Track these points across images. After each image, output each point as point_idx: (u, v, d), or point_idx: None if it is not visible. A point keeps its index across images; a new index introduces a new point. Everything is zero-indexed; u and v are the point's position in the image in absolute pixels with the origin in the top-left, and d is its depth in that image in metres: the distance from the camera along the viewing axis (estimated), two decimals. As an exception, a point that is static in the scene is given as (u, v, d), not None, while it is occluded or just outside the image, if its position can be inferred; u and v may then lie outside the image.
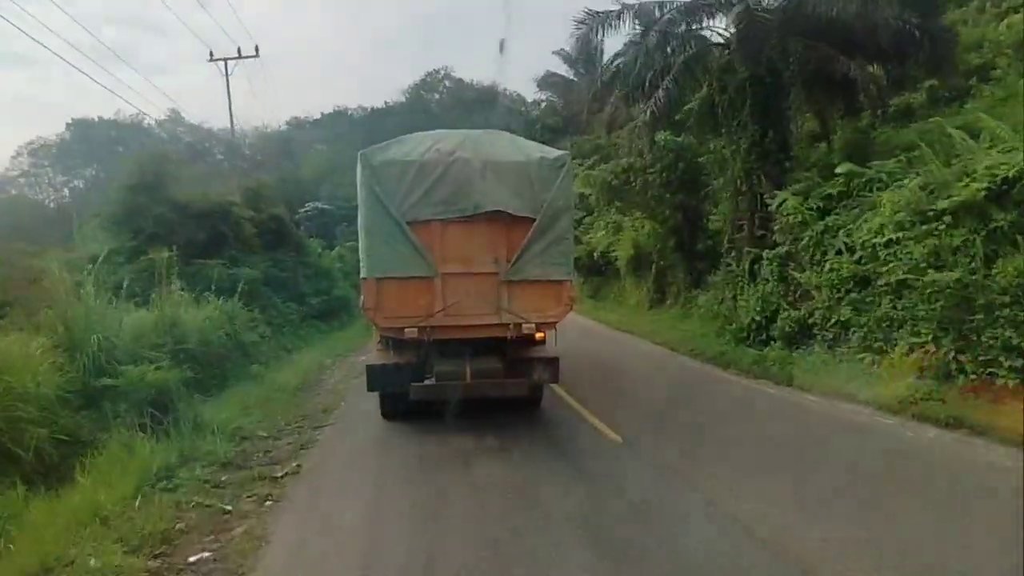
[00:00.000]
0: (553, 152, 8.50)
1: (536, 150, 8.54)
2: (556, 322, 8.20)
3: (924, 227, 9.17)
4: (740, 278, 13.59)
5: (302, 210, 52.16)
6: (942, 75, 14.52)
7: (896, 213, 9.61)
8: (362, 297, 7.94)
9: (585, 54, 50.61)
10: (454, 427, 8.01)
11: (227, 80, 33.03)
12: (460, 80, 72.54)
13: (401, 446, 7.93)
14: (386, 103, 75.11)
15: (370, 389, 8.29)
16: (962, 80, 14.85)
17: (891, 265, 9.52)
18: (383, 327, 8.05)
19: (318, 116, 75.30)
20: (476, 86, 68.99)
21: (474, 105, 60.59)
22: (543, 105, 53.39)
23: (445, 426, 8.00)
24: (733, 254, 14.30)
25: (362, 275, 8.01)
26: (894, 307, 9.41)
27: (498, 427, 8.22)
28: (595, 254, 26.14)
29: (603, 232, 26.75)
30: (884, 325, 9.58)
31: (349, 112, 75.79)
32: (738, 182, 14.16)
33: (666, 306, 20.13)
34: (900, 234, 9.47)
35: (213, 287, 13.73)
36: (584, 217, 29.75)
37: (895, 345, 9.25)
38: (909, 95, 16.41)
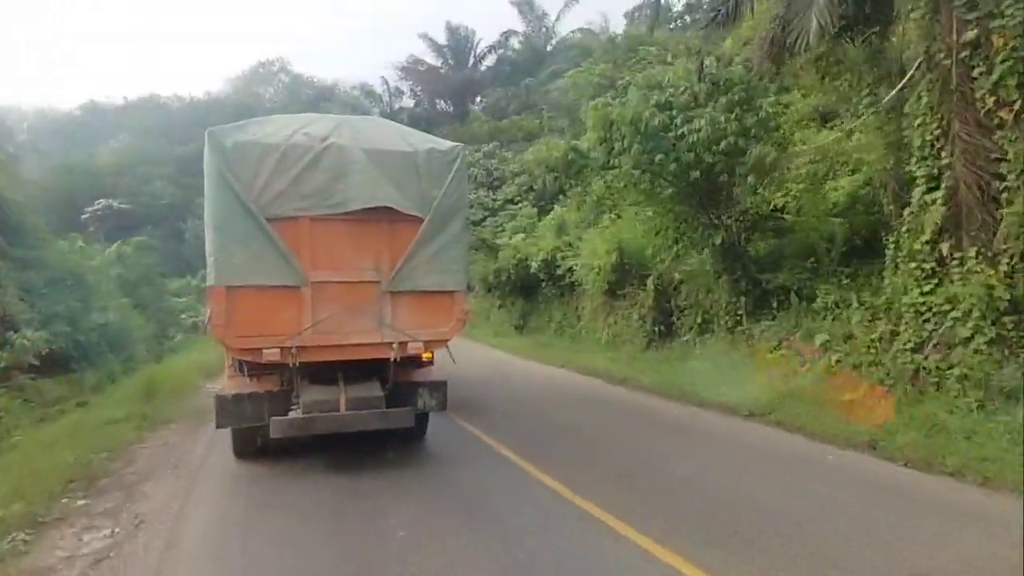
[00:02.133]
0: (444, 143, 7.40)
1: (424, 140, 7.39)
2: (447, 340, 7.22)
3: None
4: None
5: (89, 208, 46.31)
6: None
7: None
8: (207, 311, 6.44)
9: (454, 40, 46.51)
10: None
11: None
12: (299, 75, 67.62)
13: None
14: (208, 93, 68.84)
15: (220, 425, 6.84)
16: None
17: None
18: (236, 348, 6.51)
19: (122, 102, 67.25)
20: (316, 83, 64.93)
21: (316, 103, 54.52)
22: (405, 95, 46.67)
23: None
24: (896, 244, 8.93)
25: (208, 283, 6.50)
26: None
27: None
28: (529, 264, 19.52)
29: (545, 233, 21.32)
30: None
31: (162, 100, 68.32)
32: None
33: (675, 345, 13.85)
34: None
35: None
36: (501, 212, 23.87)
37: None
38: None
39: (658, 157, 10.32)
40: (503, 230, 23.90)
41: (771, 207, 12.16)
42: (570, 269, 17.05)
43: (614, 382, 12.08)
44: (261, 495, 6.28)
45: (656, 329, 14.01)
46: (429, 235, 6.93)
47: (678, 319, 13.60)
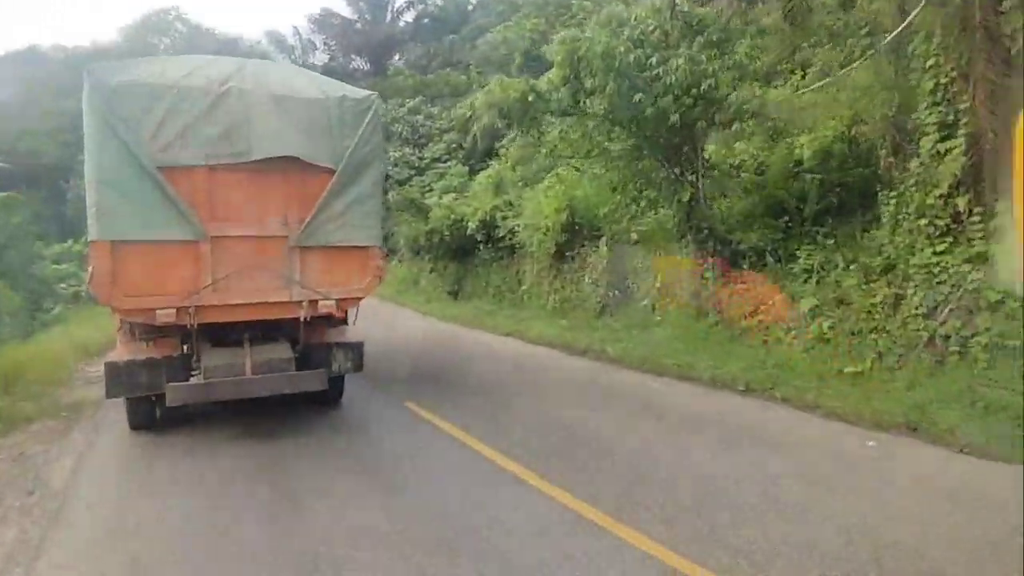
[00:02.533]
0: (358, 91, 7.00)
1: (336, 87, 6.97)
2: (361, 298, 6.89)
3: None
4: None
5: None
6: None
7: None
8: (89, 268, 5.80)
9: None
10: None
11: None
12: (197, 27, 62.33)
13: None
14: (94, 43, 62.65)
15: (110, 395, 6.20)
16: None
17: None
18: (124, 309, 5.97)
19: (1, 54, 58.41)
20: (218, 35, 59.96)
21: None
22: (318, 50, 43.56)
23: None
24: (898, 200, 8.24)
25: (90, 237, 5.85)
26: None
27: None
28: (464, 225, 18.00)
29: (479, 193, 19.95)
30: None
31: (43, 51, 62.51)
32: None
33: (631, 311, 12.76)
34: None
35: None
36: (428, 171, 22.36)
37: None
38: None
39: (637, 96, 8.89)
40: (431, 190, 22.15)
41: (737, 163, 11.00)
42: (511, 230, 15.50)
43: (573, 353, 10.84)
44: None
45: (611, 294, 12.71)
46: (341, 187, 6.59)
47: (634, 283, 12.21)
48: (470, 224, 16.73)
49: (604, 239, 12.93)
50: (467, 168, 23.63)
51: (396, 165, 26.06)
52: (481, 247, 17.29)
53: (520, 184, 16.95)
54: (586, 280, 13.58)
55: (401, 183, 24.57)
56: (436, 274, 20.52)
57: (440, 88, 31.28)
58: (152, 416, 6.74)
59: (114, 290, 5.81)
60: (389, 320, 15.99)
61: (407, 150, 26.78)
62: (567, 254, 14.08)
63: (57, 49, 61.03)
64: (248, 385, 6.23)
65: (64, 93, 55.31)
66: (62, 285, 23.05)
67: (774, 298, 9.36)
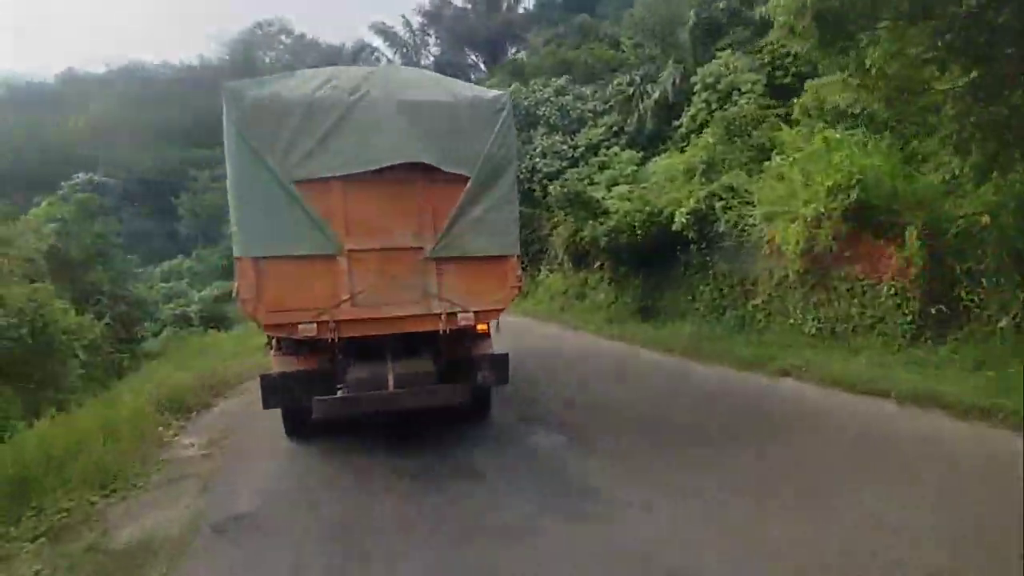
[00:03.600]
0: (488, 92, 7.02)
1: (466, 89, 6.99)
2: (500, 310, 6.75)
3: None
4: None
5: (67, 183, 40.09)
6: None
7: None
8: (235, 284, 6.04)
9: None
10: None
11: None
12: (301, 36, 63.47)
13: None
14: (202, 58, 64.40)
15: (267, 406, 6.59)
16: None
17: None
18: (268, 324, 6.20)
19: (103, 70, 62.96)
20: (321, 44, 61.01)
21: (322, 67, 45.57)
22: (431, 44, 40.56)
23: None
24: None
25: (235, 254, 6.07)
26: None
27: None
28: (667, 221, 13.27)
29: (665, 181, 15.47)
30: None
31: (149, 67, 63.40)
32: None
33: (968, 334, 8.58)
34: None
35: None
36: (584, 162, 18.28)
37: None
38: None
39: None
40: (592, 182, 17.66)
41: None
42: (740, 224, 10.84)
43: (973, 417, 6.08)
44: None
45: (932, 310, 7.98)
46: (476, 194, 6.40)
47: (967, 293, 8.46)
48: (678, 219, 12.14)
49: (911, 229, 8.14)
50: (639, 153, 19.01)
51: (545, 156, 21.80)
52: (692, 248, 12.63)
53: (738, 164, 12.28)
54: (884, 291, 8.74)
55: (551, 177, 20.37)
56: (615, 285, 16.05)
57: (586, 65, 26.35)
58: (305, 425, 6.95)
59: (258, 306, 5.94)
60: (572, 351, 12.11)
61: (556, 138, 22.32)
62: (846, 253, 9.28)
63: (164, 66, 62.76)
64: (391, 399, 6.24)
65: (170, 109, 55.10)
66: (170, 305, 20.23)
67: None
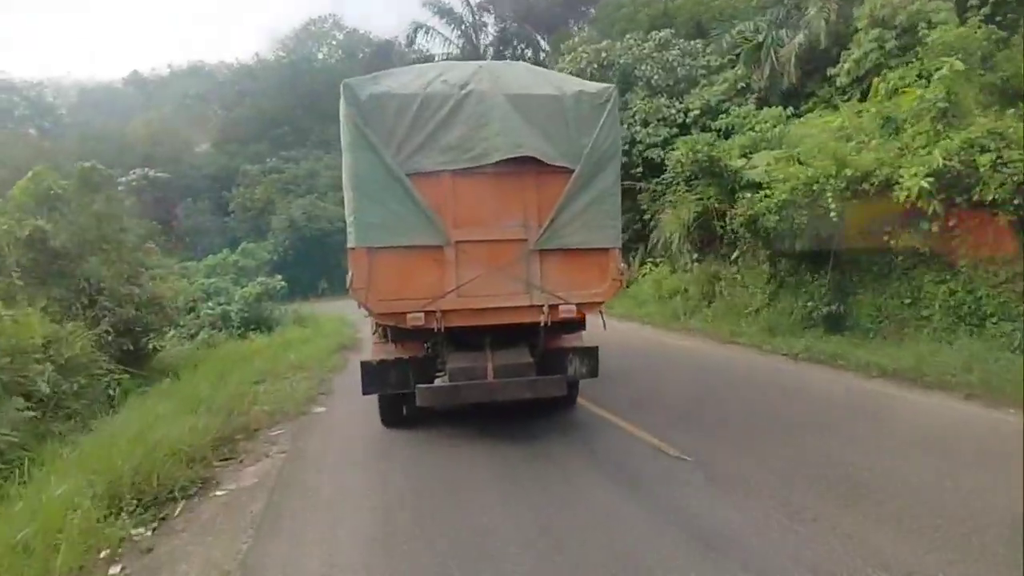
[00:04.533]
0: (593, 85, 6.90)
1: (572, 83, 6.92)
2: (602, 302, 6.67)
3: None
4: None
5: (124, 179, 36.68)
6: None
7: None
8: (350, 274, 6.18)
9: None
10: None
11: None
12: (353, 31, 61.04)
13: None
14: (257, 56, 62.88)
15: (366, 392, 6.81)
16: None
17: None
18: (379, 313, 6.35)
19: (166, 72, 62.24)
20: (374, 38, 57.68)
21: (375, 61, 45.94)
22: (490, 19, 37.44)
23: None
24: None
25: (349, 244, 6.25)
26: None
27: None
28: (872, 183, 9.58)
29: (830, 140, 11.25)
30: None
31: (208, 67, 62.31)
32: None
33: None
34: None
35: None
36: (699, 126, 14.48)
37: None
38: None
39: None
40: (712, 148, 13.36)
41: None
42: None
43: None
44: None
45: None
46: (580, 187, 6.35)
47: None
48: (910, 184, 7.95)
49: None
50: (784, 111, 14.66)
51: (647, 123, 17.50)
52: (926, 227, 8.41)
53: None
54: None
55: (657, 147, 16.29)
56: (772, 282, 11.78)
57: (700, 12, 21.65)
58: (401, 413, 7.26)
59: (371, 294, 6.08)
60: (771, 387, 8.62)
61: (661, 100, 17.91)
62: None
63: (221, 65, 62.64)
64: (490, 389, 6.30)
65: (227, 106, 53.58)
66: (208, 304, 17.83)
67: None
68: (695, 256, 14.66)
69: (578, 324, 6.85)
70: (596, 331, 7.00)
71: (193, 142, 48.43)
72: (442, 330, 6.17)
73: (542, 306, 6.23)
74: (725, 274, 13.71)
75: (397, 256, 6.06)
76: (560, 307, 6.28)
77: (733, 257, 13.09)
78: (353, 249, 6.08)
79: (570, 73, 18.20)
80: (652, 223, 17.60)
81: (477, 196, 6.18)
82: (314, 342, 15.04)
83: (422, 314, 6.02)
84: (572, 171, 6.28)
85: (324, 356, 12.93)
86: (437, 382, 6.67)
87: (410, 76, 6.59)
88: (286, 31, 69.34)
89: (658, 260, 17.06)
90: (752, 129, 14.98)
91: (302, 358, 12.40)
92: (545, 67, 13.87)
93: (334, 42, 60.22)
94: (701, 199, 13.19)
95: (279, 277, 21.84)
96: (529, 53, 34.82)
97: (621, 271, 6.64)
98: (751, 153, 13.59)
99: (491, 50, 36.11)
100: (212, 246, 32.89)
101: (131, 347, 10.67)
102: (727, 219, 12.90)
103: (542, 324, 6.28)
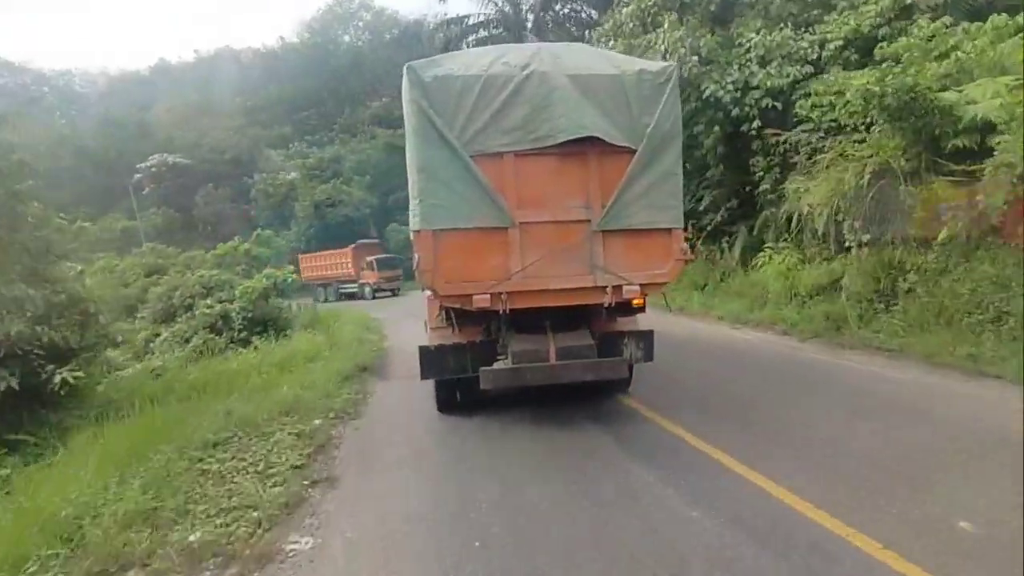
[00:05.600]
0: (654, 64, 6.65)
1: (632, 62, 6.69)
2: (665, 283, 6.53)
3: None
4: None
5: (142, 165, 38.38)
6: None
7: None
8: (416, 256, 6.08)
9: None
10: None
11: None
12: (381, 12, 57.67)
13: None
14: (282, 39, 60.48)
15: (425, 377, 6.86)
16: None
17: None
18: (444, 295, 6.23)
19: (192, 59, 60.80)
20: (401, 19, 54.90)
21: (403, 42, 45.32)
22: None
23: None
24: None
25: (413, 227, 6.27)
26: None
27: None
28: None
29: None
30: None
31: (234, 52, 59.33)
32: None
33: None
34: None
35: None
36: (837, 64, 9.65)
37: None
38: None
39: None
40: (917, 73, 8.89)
41: None
42: None
43: None
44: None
45: None
46: (642, 167, 6.17)
47: None
48: None
49: None
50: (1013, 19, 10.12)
51: (766, 61, 12.94)
52: None
53: None
54: None
55: (780, 95, 11.99)
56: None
57: None
58: (454, 400, 7.24)
59: (437, 276, 5.99)
60: None
61: (786, 32, 13.19)
62: None
63: (248, 50, 60.55)
64: (553, 371, 6.26)
65: (252, 90, 50.63)
66: (207, 302, 13.98)
67: None
68: (863, 237, 9.82)
69: (638, 309, 6.75)
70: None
71: (219, 128, 45.56)
72: (507, 312, 6.09)
73: (605, 287, 6.15)
74: (915, 262, 9.08)
75: (462, 238, 5.98)
76: (624, 288, 6.16)
77: (941, 239, 8.55)
78: (419, 232, 6.01)
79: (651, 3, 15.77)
80: (771, 195, 13.21)
81: (540, 177, 6.09)
82: (324, 357, 11.07)
83: (488, 296, 5.95)
84: (634, 151, 6.12)
85: (333, 386, 8.82)
86: (496, 365, 6.48)
87: (470, 58, 6.55)
88: (312, 13, 66.37)
89: (781, 246, 12.30)
90: (955, 51, 9.67)
91: (299, 390, 8.29)
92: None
93: (360, 23, 58.23)
94: (877, 154, 9.01)
95: (290, 268, 18.84)
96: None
97: (684, 251, 6.45)
98: (953, 86, 9.25)
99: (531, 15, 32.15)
100: (232, 235, 29.57)
101: (16, 386, 6.82)
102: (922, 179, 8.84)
103: (606, 305, 6.22)
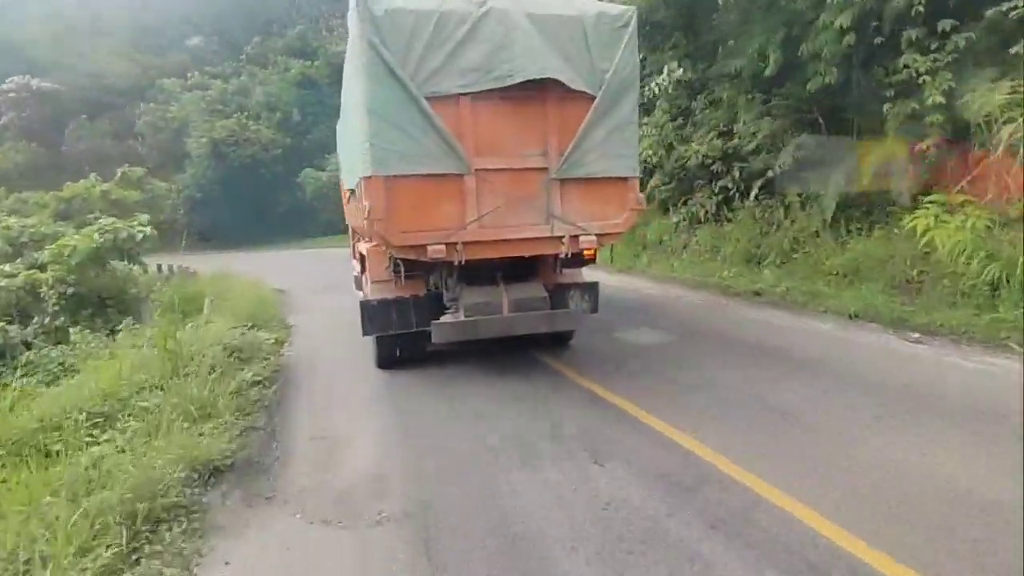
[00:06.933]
0: (613, 7, 6.44)
1: (590, 5, 6.40)
2: (621, 232, 6.55)
3: None
4: None
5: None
6: None
7: None
8: (366, 204, 5.65)
9: None
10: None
11: None
12: None
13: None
14: None
15: (366, 333, 6.60)
16: None
17: None
18: (398, 245, 5.95)
19: None
20: None
21: None
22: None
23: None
24: None
25: (363, 173, 5.75)
26: None
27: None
28: None
29: None
30: None
31: None
32: None
33: None
34: None
35: None
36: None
37: None
38: None
39: None
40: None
41: None
42: None
43: None
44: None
45: None
46: (601, 114, 6.09)
47: None
48: None
49: None
50: None
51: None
52: None
53: None
54: None
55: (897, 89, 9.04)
56: None
57: None
58: (396, 355, 6.93)
59: (389, 226, 5.67)
60: None
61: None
62: None
63: None
64: (507, 323, 6.20)
65: (140, 6, 43.92)
66: (5, 268, 10.19)
67: None
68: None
69: (588, 260, 6.63)
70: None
71: (100, 52, 38.83)
72: (462, 263, 5.93)
73: (562, 237, 6.08)
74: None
75: (417, 185, 5.66)
76: (580, 238, 6.12)
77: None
78: (369, 178, 5.62)
79: None
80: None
81: (497, 123, 5.84)
82: (143, 413, 4.87)
83: (443, 246, 5.71)
84: (592, 98, 5.98)
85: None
86: (448, 319, 6.30)
87: None
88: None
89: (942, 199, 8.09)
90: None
91: None
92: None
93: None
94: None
95: (145, 218, 13.11)
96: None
97: (639, 200, 6.42)
98: None
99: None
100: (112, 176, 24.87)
101: None
102: None
103: (561, 255, 6.21)
